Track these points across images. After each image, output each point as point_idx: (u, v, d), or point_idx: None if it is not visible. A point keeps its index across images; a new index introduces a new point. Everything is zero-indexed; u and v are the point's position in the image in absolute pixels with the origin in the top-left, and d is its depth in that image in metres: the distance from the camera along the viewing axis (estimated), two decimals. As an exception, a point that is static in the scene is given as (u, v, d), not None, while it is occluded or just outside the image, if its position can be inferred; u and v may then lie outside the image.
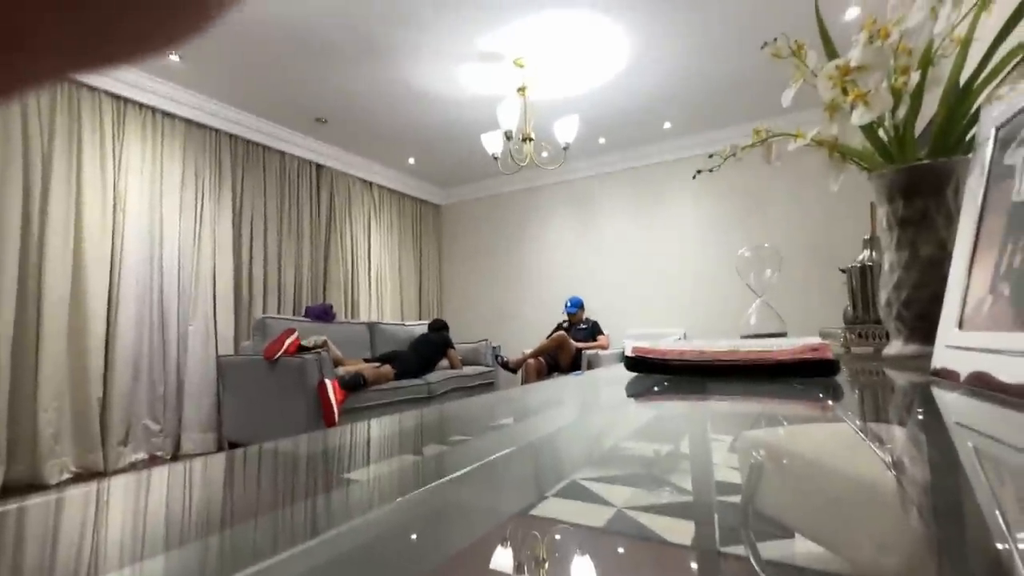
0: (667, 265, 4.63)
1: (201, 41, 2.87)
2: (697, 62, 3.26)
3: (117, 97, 3.17)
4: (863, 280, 0.82)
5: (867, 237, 0.85)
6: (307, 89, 3.49)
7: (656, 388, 0.50)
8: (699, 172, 0.75)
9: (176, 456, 3.30)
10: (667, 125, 4.25)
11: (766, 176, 4.24)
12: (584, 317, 4.68)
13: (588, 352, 4.14)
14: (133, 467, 3.04)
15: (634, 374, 0.59)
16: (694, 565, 0.14)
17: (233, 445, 3.28)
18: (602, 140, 4.54)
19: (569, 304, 4.62)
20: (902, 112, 0.56)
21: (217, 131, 3.71)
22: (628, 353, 0.54)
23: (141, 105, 3.28)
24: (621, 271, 4.85)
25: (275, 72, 3.25)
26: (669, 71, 3.37)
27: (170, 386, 3.32)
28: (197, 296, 3.50)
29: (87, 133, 3.00)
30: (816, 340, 0.50)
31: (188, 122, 3.54)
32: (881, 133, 0.60)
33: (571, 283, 5.09)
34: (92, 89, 3.05)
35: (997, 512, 0.16)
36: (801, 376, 0.44)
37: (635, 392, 0.50)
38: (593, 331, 4.54)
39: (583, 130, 4.19)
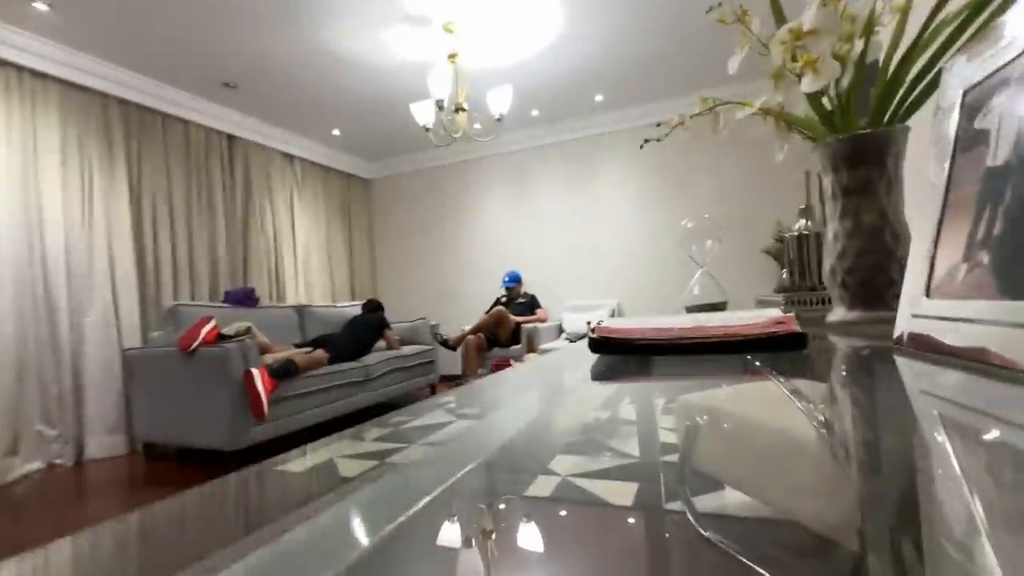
0: (600, 239, 4.73)
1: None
2: (629, 34, 3.27)
3: (-32, 51, 2.67)
4: (799, 249, 0.85)
5: (802, 207, 0.88)
6: (211, 49, 3.12)
7: (621, 370, 0.48)
8: (647, 141, 0.72)
9: (80, 462, 2.97)
10: (599, 98, 4.27)
11: (691, 153, 4.40)
12: (522, 291, 4.71)
13: (527, 326, 4.18)
14: (27, 479, 2.70)
15: (596, 356, 0.56)
16: (638, 522, 0.15)
17: (148, 446, 3.00)
18: (535, 112, 4.49)
19: (507, 279, 4.62)
20: (846, 80, 0.56)
21: (104, 95, 3.25)
22: (591, 335, 0.51)
23: (3, 62, 2.79)
24: (557, 245, 4.90)
25: (170, 27, 2.87)
26: (601, 42, 3.36)
27: (65, 385, 2.96)
28: (92, 284, 3.11)
29: (-69, 94, 2.51)
30: (777, 313, 0.50)
31: (64, 83, 3.06)
32: (825, 102, 0.60)
33: (508, 257, 5.08)
34: (-67, 40, 2.54)
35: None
36: (769, 351, 0.43)
37: (600, 375, 0.48)
38: (531, 305, 4.58)
39: (516, 102, 4.11)
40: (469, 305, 5.20)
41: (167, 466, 2.79)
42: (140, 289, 3.38)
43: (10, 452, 2.69)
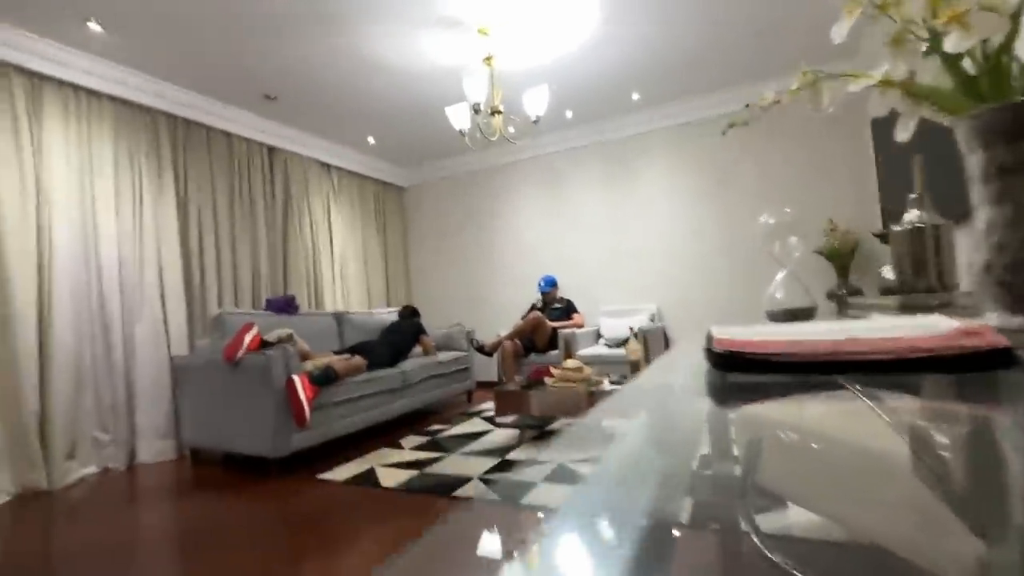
0: (639, 241, 4.60)
1: (126, 6, 2.55)
2: (667, 31, 3.16)
3: (29, 72, 2.80)
4: (913, 244, 0.74)
5: (914, 195, 0.77)
6: (253, 62, 3.19)
7: (746, 390, 0.40)
8: (731, 125, 0.64)
9: (132, 466, 3.06)
10: (636, 96, 4.16)
11: (733, 147, 4.22)
12: (558, 296, 4.63)
13: (564, 332, 4.08)
14: (83, 482, 2.78)
15: (699, 370, 0.48)
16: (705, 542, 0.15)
17: (195, 451, 3.06)
18: (569, 114, 4.41)
19: (543, 283, 4.55)
20: (1000, 36, 0.46)
21: (151, 110, 3.37)
22: (715, 348, 0.43)
23: (60, 82, 2.91)
24: (594, 248, 4.79)
25: (214, 43, 2.94)
26: (638, 40, 3.25)
27: (119, 393, 3.05)
28: (143, 295, 3.20)
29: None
30: (950, 321, 0.41)
31: (117, 100, 3.18)
32: (966, 66, 0.50)
33: (544, 261, 5.00)
34: (3, 64, 2.67)
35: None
36: (963, 370, 0.34)
37: (722, 395, 0.40)
38: (568, 310, 4.49)
39: (550, 103, 4.04)
40: (504, 310, 5.15)
41: (213, 471, 2.83)
42: (187, 298, 3.47)
43: (68, 456, 2.78)
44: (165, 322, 3.31)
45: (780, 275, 0.85)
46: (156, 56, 3.04)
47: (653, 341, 3.81)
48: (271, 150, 4.24)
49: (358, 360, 3.15)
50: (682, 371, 0.55)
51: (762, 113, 0.61)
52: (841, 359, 0.37)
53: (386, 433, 3.40)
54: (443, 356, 4.02)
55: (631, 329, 3.03)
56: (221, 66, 3.21)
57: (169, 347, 3.30)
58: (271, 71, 3.32)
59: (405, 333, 3.86)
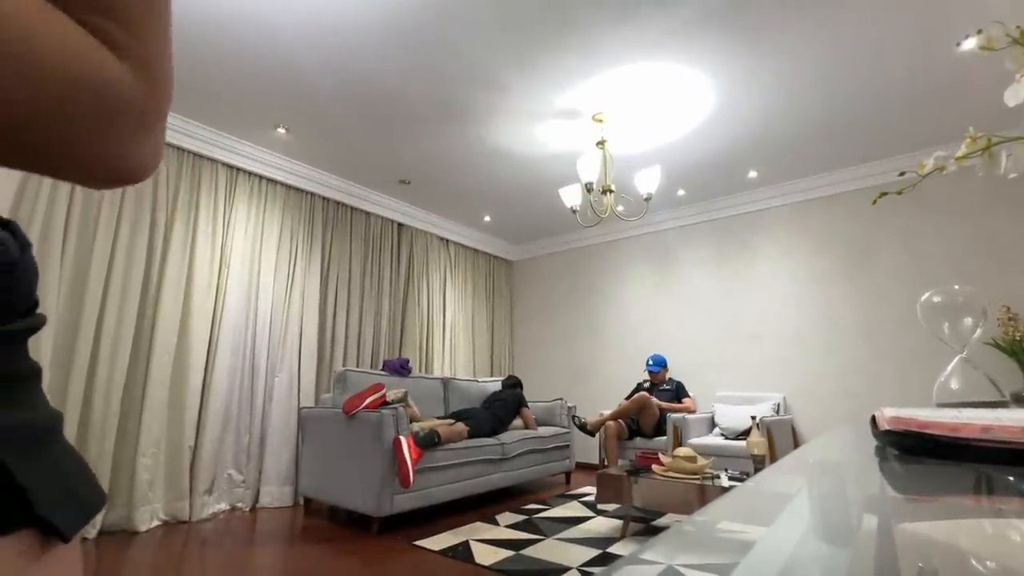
0: (757, 322, 4.25)
1: (305, 113, 3.15)
2: (786, 106, 3.10)
3: (231, 167, 3.52)
4: None
5: None
6: (393, 152, 3.70)
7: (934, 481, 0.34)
8: (883, 195, 0.60)
9: (255, 507, 3.32)
10: (752, 174, 4.05)
11: (872, 220, 3.85)
12: (667, 377, 4.39)
13: (674, 416, 3.80)
14: (215, 517, 3.07)
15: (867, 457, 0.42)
16: None
17: (308, 501, 3.24)
18: (681, 192, 4.40)
19: (651, 362, 4.35)
20: None
21: (311, 194, 4.00)
22: (886, 427, 0.38)
23: (250, 173, 3.62)
24: (706, 328, 4.52)
25: (364, 137, 3.48)
26: (755, 119, 3.23)
27: (254, 436, 3.40)
28: (284, 349, 3.64)
29: (204, 199, 3.33)
30: None
31: (288, 187, 3.85)
32: None
33: (651, 340, 4.81)
34: (212, 160, 3.40)
35: None
36: None
37: (909, 486, 0.34)
38: (678, 393, 4.22)
39: (661, 182, 4.08)
40: (607, 388, 4.97)
41: (320, 523, 2.96)
42: (319, 355, 3.87)
43: (207, 491, 3.11)
44: (299, 376, 3.69)
45: (954, 361, 0.73)
46: (320, 151, 3.66)
47: (779, 434, 3.39)
48: (400, 227, 4.76)
49: (460, 426, 3.19)
50: (826, 471, 0.46)
51: (919, 181, 0.57)
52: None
53: (482, 505, 3.33)
54: (543, 431, 3.93)
55: (753, 419, 2.74)
56: (369, 156, 3.76)
57: (299, 399, 3.64)
58: (407, 159, 3.81)
59: (507, 403, 3.86)
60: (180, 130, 3.21)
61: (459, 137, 3.47)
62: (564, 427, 4.17)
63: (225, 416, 3.26)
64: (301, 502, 3.38)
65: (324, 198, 4.11)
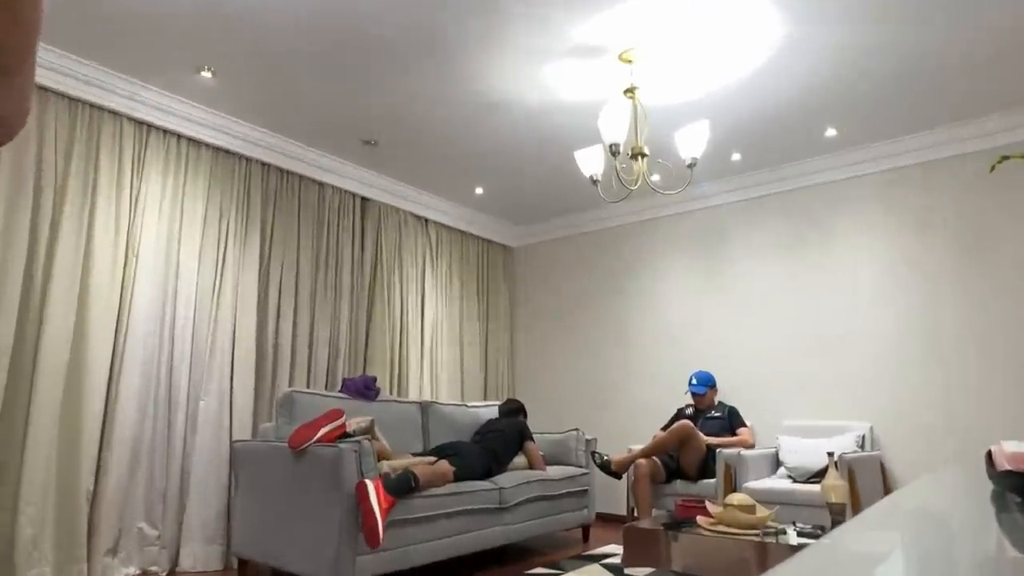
0: (837, 328, 4.27)
1: (237, 51, 3.14)
2: (878, 42, 3.09)
3: (140, 123, 3.52)
4: None
5: None
6: (355, 103, 3.70)
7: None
8: (1003, 159, 0.60)
9: (174, 572, 3.33)
10: (830, 132, 4.05)
11: (990, 194, 3.85)
12: (716, 401, 4.41)
13: (725, 452, 3.82)
14: (121, 586, 3.08)
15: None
16: None
17: (243, 564, 3.25)
18: (736, 156, 4.40)
19: (695, 381, 4.38)
20: None
21: (247, 159, 4.01)
22: (1007, 464, 0.38)
23: (165, 131, 3.62)
24: (768, 336, 4.54)
25: (317, 82, 3.48)
26: (836, 56, 3.22)
27: (172, 479, 3.42)
28: (212, 364, 3.65)
29: (105, 167, 3.34)
30: None
31: (215, 149, 3.85)
32: None
33: (696, 352, 4.83)
34: (114, 114, 3.40)
35: None
36: None
37: None
38: (731, 421, 4.26)
39: (710, 143, 4.08)
40: (637, 415, 4.99)
41: (261, 594, 2.97)
42: (257, 372, 3.89)
43: (111, 551, 3.13)
44: (231, 399, 3.70)
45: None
46: (258, 102, 3.66)
47: (864, 475, 3.41)
48: (364, 202, 4.76)
49: (444, 466, 3.20)
50: (927, 524, 0.45)
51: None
52: None
53: (475, 568, 3.33)
54: (553, 471, 3.95)
55: (830, 455, 2.75)
56: (322, 108, 3.76)
57: (231, 429, 3.66)
58: (373, 112, 3.81)
59: (506, 436, 3.87)
60: (70, 72, 3.20)
61: (443, 82, 3.46)
62: (581, 466, 4.17)
63: (134, 453, 3.27)
64: (234, 565, 3.39)
65: (264, 164, 4.10)
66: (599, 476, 4.26)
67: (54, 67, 3.11)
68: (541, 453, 4.08)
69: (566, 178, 4.78)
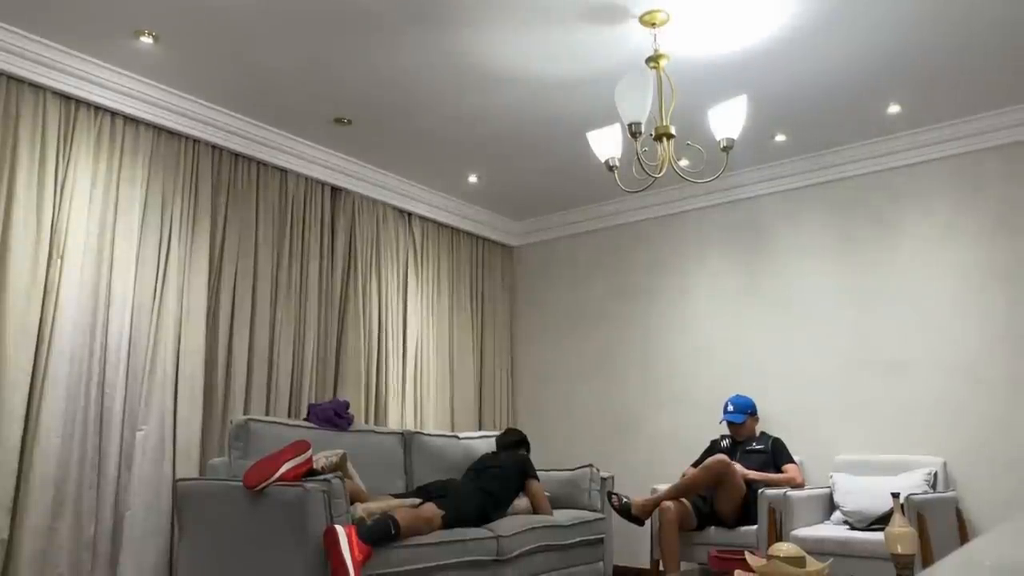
0: (902, 346, 4.29)
1: (180, 7, 3.15)
2: (945, 4, 3.10)
3: (67, 98, 3.52)
4: None
5: None
6: (325, 74, 3.71)
7: None
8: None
9: (103, 640, 3.32)
10: (893, 109, 4.07)
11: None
12: (757, 431, 4.41)
13: (769, 493, 3.81)
14: (41, 654, 3.06)
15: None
16: None
17: (189, 627, 3.23)
18: (780, 137, 4.42)
19: (731, 407, 4.38)
20: None
21: (195, 141, 4.01)
22: None
23: (97, 107, 3.62)
24: (820, 354, 4.56)
25: (279, 49, 3.49)
26: (900, 18, 3.23)
27: (104, 524, 3.40)
28: (152, 386, 3.64)
29: (24, 150, 3.33)
30: None
31: (157, 129, 3.85)
32: None
33: (732, 373, 4.84)
34: (36, 87, 3.41)
35: None
36: None
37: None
38: (775, 455, 4.25)
39: (749, 122, 4.09)
40: (662, 448, 5.00)
41: (209, 664, 2.95)
42: (205, 395, 3.87)
43: (29, 613, 3.11)
44: (175, 428, 3.69)
45: None
46: (208, 73, 3.67)
47: (937, 520, 3.39)
48: (335, 192, 4.77)
49: (430, 510, 3.19)
50: None
51: None
52: None
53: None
54: (562, 516, 3.94)
55: (895, 497, 2.74)
56: (286, 80, 3.77)
57: (175, 465, 3.64)
58: (347, 85, 3.82)
59: (505, 473, 3.87)
60: (-14, 39, 3.21)
61: (430, 49, 3.47)
62: (596, 510, 4.17)
63: (58, 492, 3.25)
64: (178, 629, 3.38)
65: (214, 146, 4.10)
66: (617, 521, 4.24)
67: (-35, 30, 3.13)
68: (547, 494, 4.07)
69: (577, 165, 4.77)
